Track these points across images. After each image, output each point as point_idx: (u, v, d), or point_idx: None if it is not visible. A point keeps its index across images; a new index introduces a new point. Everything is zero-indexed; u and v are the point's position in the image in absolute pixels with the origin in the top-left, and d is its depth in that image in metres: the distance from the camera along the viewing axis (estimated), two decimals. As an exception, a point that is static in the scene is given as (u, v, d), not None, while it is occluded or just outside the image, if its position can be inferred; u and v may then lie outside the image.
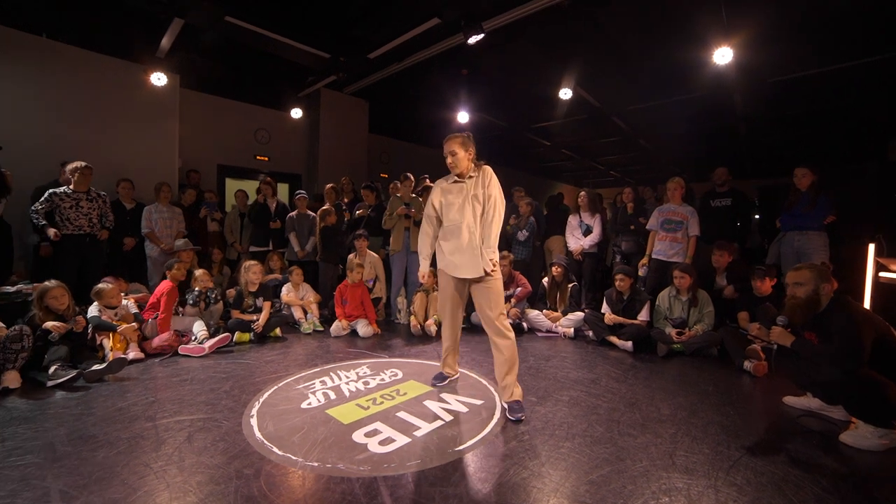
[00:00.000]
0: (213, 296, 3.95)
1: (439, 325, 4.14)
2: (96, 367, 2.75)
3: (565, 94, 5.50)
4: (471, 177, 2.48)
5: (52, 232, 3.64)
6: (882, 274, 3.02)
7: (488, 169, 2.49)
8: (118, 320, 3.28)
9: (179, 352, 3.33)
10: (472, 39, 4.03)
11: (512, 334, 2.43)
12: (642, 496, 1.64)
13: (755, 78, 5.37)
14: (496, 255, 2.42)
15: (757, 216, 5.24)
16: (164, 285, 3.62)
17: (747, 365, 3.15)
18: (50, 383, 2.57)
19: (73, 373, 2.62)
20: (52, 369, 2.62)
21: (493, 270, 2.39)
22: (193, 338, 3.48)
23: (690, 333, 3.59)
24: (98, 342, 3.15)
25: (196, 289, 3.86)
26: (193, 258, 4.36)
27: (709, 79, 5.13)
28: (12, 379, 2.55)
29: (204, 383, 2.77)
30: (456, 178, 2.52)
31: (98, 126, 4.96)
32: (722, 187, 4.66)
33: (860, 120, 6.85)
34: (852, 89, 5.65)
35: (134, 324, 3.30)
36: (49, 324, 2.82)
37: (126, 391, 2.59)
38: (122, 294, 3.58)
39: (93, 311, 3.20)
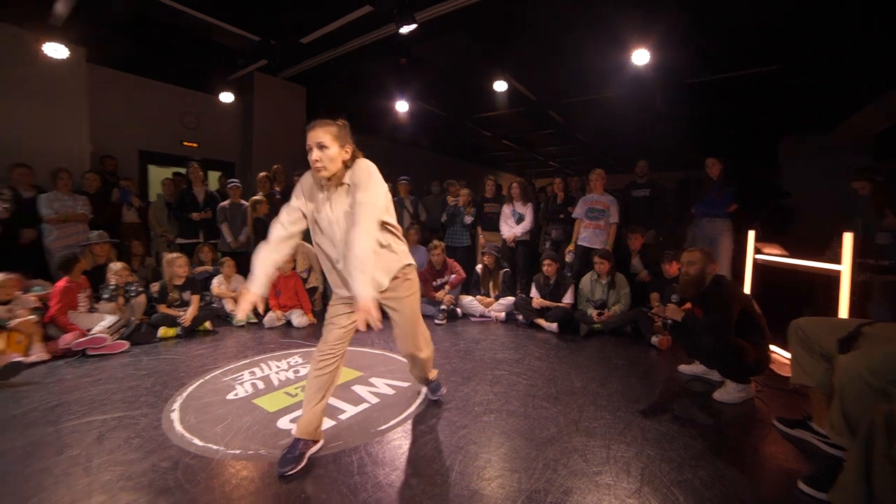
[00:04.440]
0: (134, 289, 3.72)
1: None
2: (-16, 373, 2.51)
3: (500, 86, 5.66)
4: (343, 184, 1.74)
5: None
6: (758, 256, 3.49)
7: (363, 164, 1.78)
8: (10, 318, 2.99)
9: (87, 353, 3.08)
10: (405, 29, 4.04)
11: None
12: (545, 458, 1.83)
13: (672, 79, 5.85)
14: (373, 281, 1.73)
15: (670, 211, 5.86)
16: (59, 283, 3.35)
17: (654, 340, 3.53)
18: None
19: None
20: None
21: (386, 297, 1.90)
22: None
23: (609, 314, 3.92)
24: (-11, 344, 2.86)
25: (112, 283, 3.61)
26: (109, 251, 4.05)
27: (631, 78, 5.51)
28: None
29: (121, 381, 2.64)
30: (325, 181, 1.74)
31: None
32: (642, 179, 5.08)
33: (752, 123, 7.71)
34: (749, 94, 6.33)
35: (33, 317, 3.02)
36: None
37: (22, 397, 2.39)
38: (22, 292, 3.27)
39: (-23, 308, 2.90)
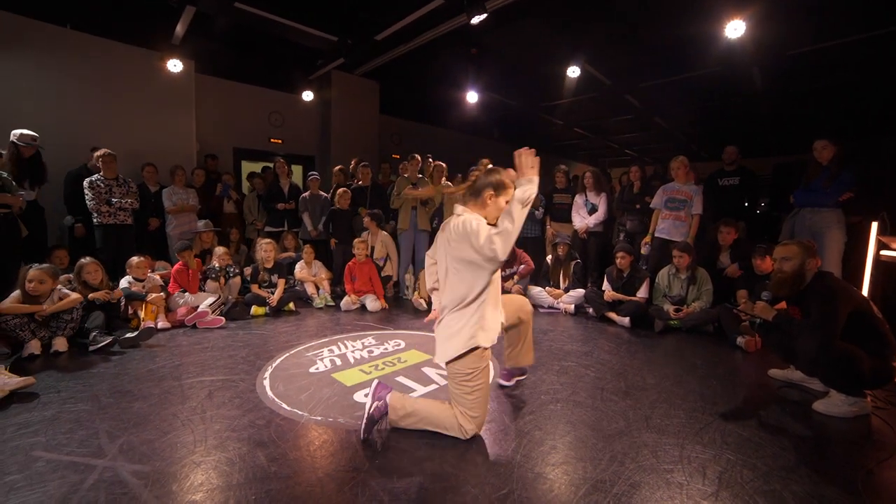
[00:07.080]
0: (232, 271, 4.23)
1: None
2: (129, 335, 3.06)
3: (573, 72, 5.44)
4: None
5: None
6: (883, 252, 3.01)
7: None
8: (146, 292, 3.58)
9: (197, 325, 3.57)
10: (476, 19, 4.05)
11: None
12: (612, 451, 1.80)
13: (772, 52, 5.20)
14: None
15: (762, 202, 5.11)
16: (175, 267, 3.96)
17: (740, 341, 3.24)
18: (91, 348, 2.88)
19: (110, 339, 2.93)
20: (92, 335, 2.93)
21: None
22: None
23: (688, 310, 3.67)
24: (132, 311, 3.49)
25: (216, 265, 4.14)
26: (213, 238, 4.64)
27: (722, 54, 4.99)
28: (60, 344, 2.88)
29: (223, 350, 3.04)
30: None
31: (119, 112, 5.20)
32: (730, 166, 4.61)
33: (879, 94, 6.52)
34: (873, 62, 5.40)
35: (162, 294, 3.60)
36: (93, 294, 3.16)
37: (155, 356, 2.88)
38: (150, 270, 3.88)
39: (123, 283, 3.52)
